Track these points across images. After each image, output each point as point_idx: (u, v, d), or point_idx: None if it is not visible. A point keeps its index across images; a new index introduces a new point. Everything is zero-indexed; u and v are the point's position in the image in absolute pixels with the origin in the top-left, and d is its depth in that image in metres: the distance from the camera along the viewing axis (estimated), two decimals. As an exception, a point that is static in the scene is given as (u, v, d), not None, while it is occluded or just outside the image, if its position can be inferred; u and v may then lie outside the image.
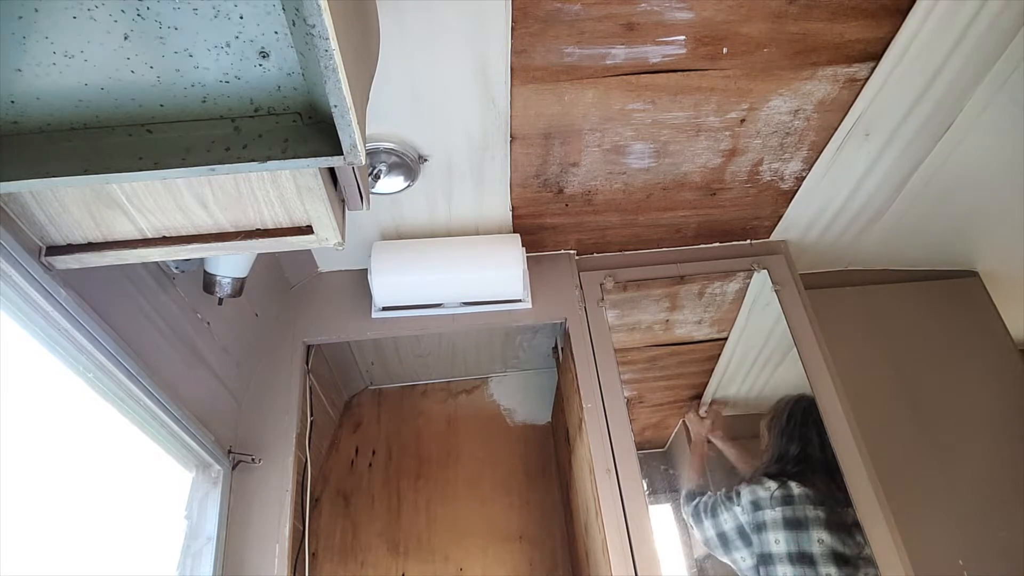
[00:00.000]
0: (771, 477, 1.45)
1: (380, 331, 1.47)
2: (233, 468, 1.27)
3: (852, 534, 1.32)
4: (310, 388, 1.48)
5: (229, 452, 1.26)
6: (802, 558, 1.34)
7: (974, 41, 1.13)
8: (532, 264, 1.53)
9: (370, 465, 1.82)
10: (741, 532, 1.43)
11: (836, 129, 1.31)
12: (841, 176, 1.44)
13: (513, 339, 1.82)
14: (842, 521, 1.34)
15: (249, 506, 1.25)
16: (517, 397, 1.98)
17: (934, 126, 1.31)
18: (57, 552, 0.94)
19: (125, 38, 0.56)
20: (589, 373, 1.43)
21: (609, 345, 1.47)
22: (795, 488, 1.41)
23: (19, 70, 0.57)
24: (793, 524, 1.38)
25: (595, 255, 1.63)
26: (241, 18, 0.56)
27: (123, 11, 0.55)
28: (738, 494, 1.46)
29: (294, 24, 0.56)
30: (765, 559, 1.38)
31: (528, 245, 1.48)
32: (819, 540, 1.34)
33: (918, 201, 1.51)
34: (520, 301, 1.48)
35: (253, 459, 1.28)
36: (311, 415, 1.47)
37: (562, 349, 1.63)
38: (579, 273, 1.57)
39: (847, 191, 1.49)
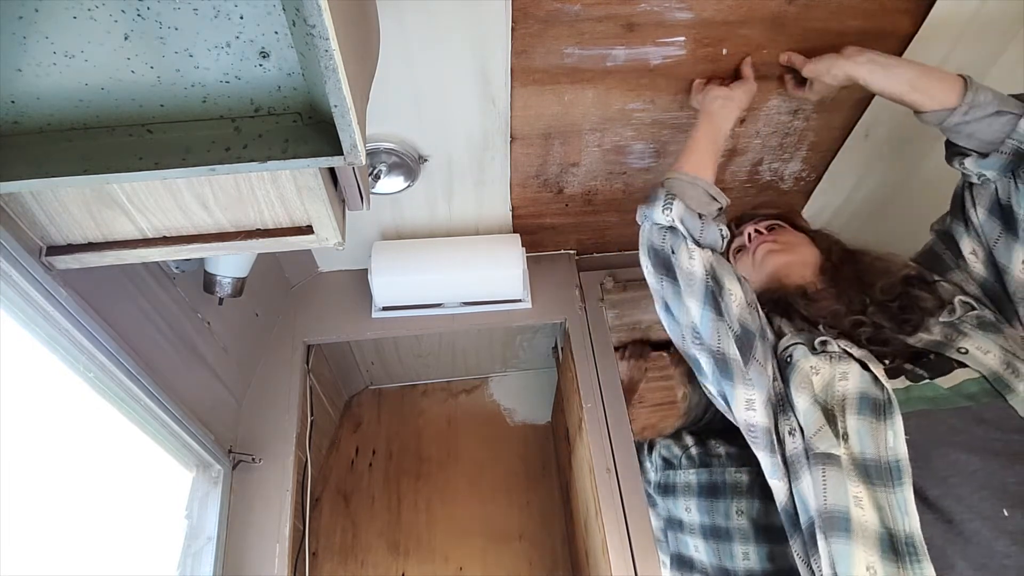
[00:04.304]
0: None
1: (380, 331, 1.47)
2: (233, 468, 1.27)
3: None
4: (310, 388, 1.48)
5: (229, 452, 1.26)
6: None
7: (974, 40, 1.13)
8: (532, 264, 1.53)
9: (370, 465, 1.83)
10: None
11: (835, 129, 1.31)
12: (841, 176, 1.44)
13: (513, 339, 1.82)
14: None
15: (249, 506, 1.25)
16: (517, 397, 1.98)
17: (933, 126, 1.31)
18: (58, 552, 0.94)
19: (125, 38, 0.57)
20: (589, 373, 1.43)
21: (609, 345, 1.47)
22: None
23: (19, 70, 0.58)
24: None
25: (595, 255, 1.63)
26: (241, 18, 0.56)
27: (123, 11, 0.55)
28: None
29: (294, 24, 0.56)
30: None
31: (528, 245, 1.48)
32: None
33: (917, 201, 1.51)
34: (520, 301, 1.48)
35: (253, 459, 1.29)
36: (311, 415, 1.47)
37: (562, 349, 1.63)
38: (579, 273, 1.57)
39: (847, 191, 1.49)
